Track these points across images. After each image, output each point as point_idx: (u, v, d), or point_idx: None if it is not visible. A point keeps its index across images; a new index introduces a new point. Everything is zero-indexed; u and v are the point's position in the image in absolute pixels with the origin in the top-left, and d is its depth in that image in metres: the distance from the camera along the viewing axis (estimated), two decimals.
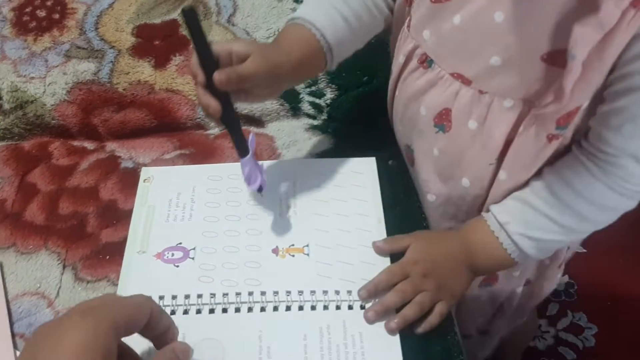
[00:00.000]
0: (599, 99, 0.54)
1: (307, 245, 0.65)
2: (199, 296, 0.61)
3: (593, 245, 0.91)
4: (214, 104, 0.57)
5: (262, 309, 0.61)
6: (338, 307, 0.61)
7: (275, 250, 0.65)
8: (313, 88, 0.80)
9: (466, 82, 0.60)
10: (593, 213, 0.59)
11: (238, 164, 0.70)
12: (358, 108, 0.79)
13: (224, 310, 0.61)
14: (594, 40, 0.48)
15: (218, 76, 0.55)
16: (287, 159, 0.75)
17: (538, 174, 0.61)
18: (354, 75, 0.81)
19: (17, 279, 0.65)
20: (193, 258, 0.64)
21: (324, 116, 0.79)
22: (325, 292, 0.62)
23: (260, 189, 0.64)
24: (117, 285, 0.63)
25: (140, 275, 0.63)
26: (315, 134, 0.77)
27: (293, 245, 0.66)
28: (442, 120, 0.63)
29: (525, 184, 0.62)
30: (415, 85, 0.66)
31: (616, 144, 0.55)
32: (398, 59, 0.68)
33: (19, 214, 0.70)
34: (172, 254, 0.65)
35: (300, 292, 0.62)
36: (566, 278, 1.07)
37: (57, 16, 0.86)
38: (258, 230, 0.67)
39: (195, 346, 0.58)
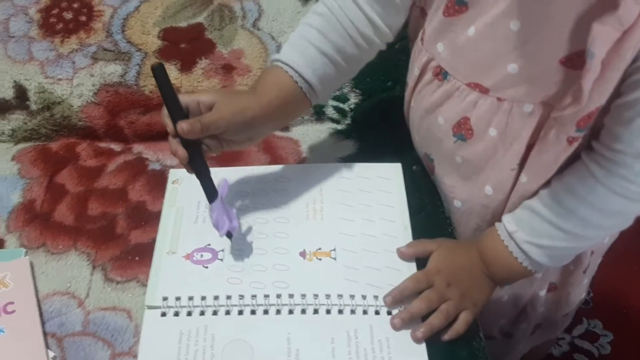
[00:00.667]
0: (615, 95, 0.54)
1: (334, 249, 0.66)
2: (228, 297, 0.62)
3: (608, 253, 0.91)
4: (181, 151, 0.60)
5: (290, 312, 0.62)
6: (365, 312, 0.62)
7: (303, 254, 0.66)
8: (337, 93, 0.81)
9: (484, 91, 0.60)
10: (597, 218, 0.59)
11: (266, 167, 0.71)
12: (381, 113, 0.80)
13: (253, 312, 0.61)
14: (613, 38, 0.48)
15: (180, 126, 0.58)
16: (311, 162, 0.75)
17: (557, 174, 0.61)
18: (377, 80, 0.82)
19: (48, 279, 0.66)
20: (222, 259, 0.65)
21: (348, 121, 0.80)
22: (352, 297, 0.63)
23: (229, 235, 0.64)
24: (146, 285, 0.63)
25: (169, 275, 0.64)
26: (339, 139, 0.78)
27: (320, 249, 0.66)
28: (461, 129, 0.64)
29: (542, 186, 0.62)
30: (431, 98, 0.66)
31: (625, 140, 0.54)
32: (413, 72, 0.69)
33: (49, 214, 0.71)
34: (201, 255, 0.65)
35: (328, 296, 0.62)
36: None
37: (83, 18, 0.87)
38: (286, 233, 0.67)
39: (224, 347, 0.59)
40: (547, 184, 0.62)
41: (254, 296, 0.62)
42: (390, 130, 0.78)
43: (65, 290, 0.65)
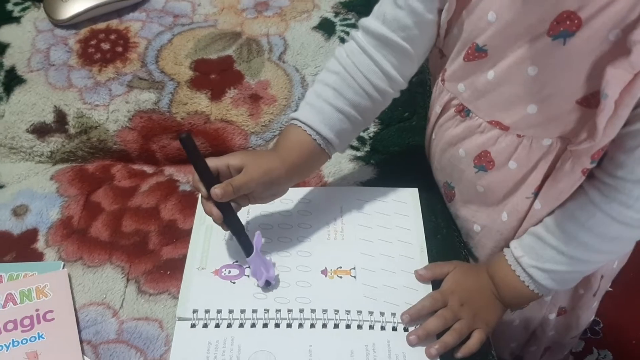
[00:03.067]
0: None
1: (354, 268, 0.70)
2: (254, 311, 0.66)
3: (619, 284, 0.94)
4: (215, 212, 0.65)
5: (312, 326, 0.65)
6: (383, 328, 0.65)
7: (324, 272, 0.70)
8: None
9: (504, 128, 0.64)
10: (596, 243, 0.62)
11: (289, 190, 0.75)
12: (399, 141, 0.84)
13: (277, 325, 0.65)
14: (626, 80, 0.52)
15: (214, 192, 0.62)
16: (333, 185, 0.79)
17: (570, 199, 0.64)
18: (396, 111, 0.86)
19: (84, 290, 0.70)
20: (248, 276, 0.69)
21: (367, 148, 0.84)
22: (371, 313, 0.66)
23: (267, 283, 0.68)
24: (177, 298, 0.67)
25: (199, 289, 0.68)
26: (358, 164, 0.82)
27: (341, 267, 0.70)
28: (482, 161, 0.68)
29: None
30: (453, 132, 0.70)
31: (627, 167, 0.57)
32: (434, 109, 0.73)
33: (85, 230, 0.76)
34: (229, 271, 0.69)
35: (348, 312, 0.66)
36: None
37: (120, 49, 0.93)
38: (308, 252, 0.71)
39: (249, 357, 0.63)
40: (550, 214, 0.65)
41: (278, 310, 0.66)
42: (407, 157, 0.82)
43: (100, 301, 0.69)
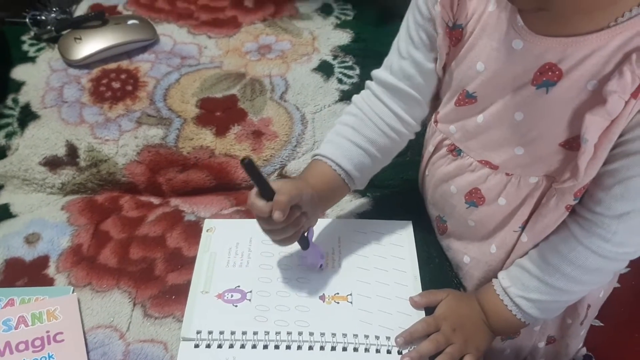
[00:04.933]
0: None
1: (351, 294, 0.73)
2: (255, 333, 0.69)
3: (610, 319, 0.97)
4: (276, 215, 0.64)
5: (310, 348, 0.68)
6: (378, 351, 0.68)
7: (322, 297, 0.73)
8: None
9: (494, 167, 0.68)
10: (578, 274, 0.66)
11: None
12: (394, 176, 0.88)
13: (277, 347, 0.68)
14: (603, 126, 0.57)
15: (275, 216, 0.63)
16: (331, 217, 0.83)
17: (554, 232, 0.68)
18: None
19: (93, 314, 0.73)
20: (250, 300, 0.72)
21: None
22: (366, 336, 0.69)
23: (321, 267, 0.75)
24: (181, 321, 0.71)
25: (203, 311, 0.71)
26: (355, 197, 0.86)
27: (338, 293, 0.73)
28: (473, 197, 0.72)
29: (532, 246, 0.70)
30: (445, 169, 0.74)
31: (605, 204, 0.61)
32: (428, 148, 0.77)
33: (94, 257, 0.79)
34: (232, 295, 0.73)
35: (344, 335, 0.69)
36: (584, 350, 1.11)
37: (130, 88, 0.98)
38: (307, 279, 0.75)
39: None
40: (534, 247, 0.69)
41: (278, 333, 0.69)
42: (401, 191, 0.87)
43: (108, 324, 0.72)
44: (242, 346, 0.68)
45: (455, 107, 0.68)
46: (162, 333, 0.71)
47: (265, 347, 0.68)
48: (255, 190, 0.65)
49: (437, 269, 0.78)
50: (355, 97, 0.76)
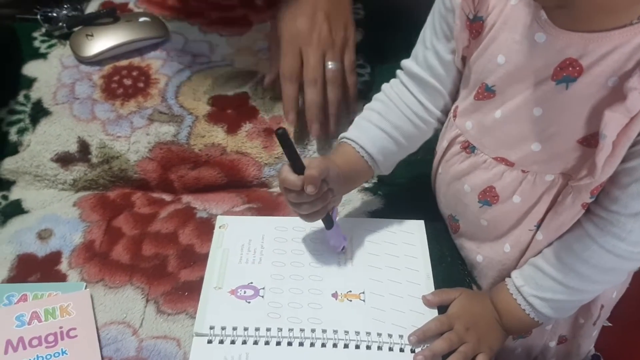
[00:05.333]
0: None
1: (363, 293, 0.73)
2: (268, 329, 0.69)
3: (619, 319, 0.96)
4: (309, 188, 0.66)
5: (323, 345, 0.68)
6: (390, 349, 0.68)
7: (335, 295, 0.73)
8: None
9: (509, 164, 0.68)
10: (592, 274, 0.66)
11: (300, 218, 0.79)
12: (405, 174, 0.88)
13: (289, 344, 0.68)
14: (622, 123, 0.56)
15: (307, 189, 0.66)
16: (342, 216, 0.83)
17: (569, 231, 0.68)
18: None
19: (106, 310, 0.73)
20: (263, 296, 0.72)
21: (375, 180, 0.89)
22: (379, 334, 0.69)
23: (343, 249, 0.76)
24: (194, 318, 0.71)
25: (216, 307, 0.71)
26: (367, 195, 0.87)
27: (350, 291, 0.73)
28: (486, 196, 0.71)
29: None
30: (458, 167, 0.74)
31: (621, 202, 0.61)
32: (442, 143, 0.77)
33: (107, 254, 0.79)
34: (245, 292, 0.73)
35: (357, 333, 0.69)
36: (592, 350, 1.11)
37: (141, 85, 0.98)
38: (319, 276, 0.75)
39: None
40: (548, 245, 0.69)
41: (290, 329, 0.69)
42: (413, 189, 0.87)
43: (121, 320, 0.72)
44: (255, 342, 0.68)
45: (474, 100, 0.68)
46: (175, 329, 0.71)
47: (278, 343, 0.68)
48: (286, 165, 0.67)
49: (449, 267, 0.78)
50: (384, 85, 0.78)
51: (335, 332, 0.69)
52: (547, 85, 0.60)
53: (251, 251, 0.77)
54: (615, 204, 0.62)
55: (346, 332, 0.69)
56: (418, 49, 0.74)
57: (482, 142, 0.70)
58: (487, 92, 0.66)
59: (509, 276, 0.72)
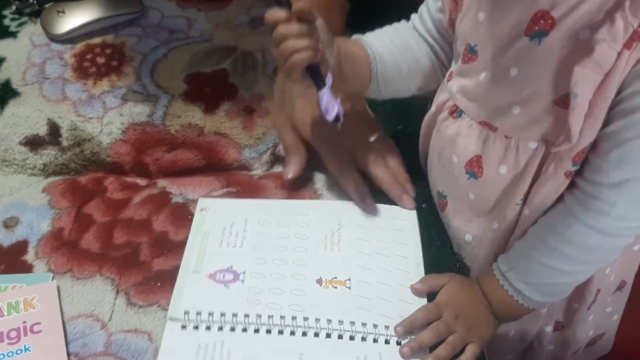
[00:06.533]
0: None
1: (349, 279, 0.69)
2: (246, 316, 0.65)
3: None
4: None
5: (304, 334, 0.64)
6: (375, 340, 0.64)
7: (319, 281, 0.69)
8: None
9: (493, 129, 0.65)
10: (577, 253, 0.62)
11: (288, 201, 0.76)
12: None
13: (268, 332, 0.64)
14: (595, 80, 0.53)
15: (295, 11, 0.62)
16: (327, 199, 0.79)
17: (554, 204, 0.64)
18: (389, 123, 0.86)
19: (73, 302, 0.69)
20: (243, 281, 0.68)
21: None
22: (364, 324, 0.65)
23: (337, 119, 0.66)
24: (167, 310, 0.66)
25: (192, 291, 0.67)
26: None
27: (336, 277, 0.69)
28: (473, 167, 0.68)
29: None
30: (446, 134, 0.71)
31: (603, 171, 0.57)
32: (431, 108, 0.74)
33: (76, 242, 0.75)
34: (224, 276, 0.69)
35: (341, 322, 0.65)
36: (591, 336, 1.06)
37: (115, 63, 0.93)
38: (304, 261, 0.70)
39: None
40: (533, 226, 0.65)
41: (270, 316, 0.65)
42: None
43: (89, 313, 0.68)
44: (232, 329, 0.64)
45: (462, 64, 0.66)
46: (147, 322, 0.66)
47: (257, 331, 0.64)
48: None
49: (438, 251, 0.74)
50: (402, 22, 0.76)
51: (317, 320, 0.65)
52: (521, 42, 0.58)
53: (233, 234, 0.73)
54: (597, 174, 0.58)
55: (329, 321, 0.65)
56: (423, 4, 0.73)
57: (468, 106, 0.67)
58: (470, 54, 0.64)
59: (495, 262, 0.69)
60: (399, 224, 0.75)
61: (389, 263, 0.71)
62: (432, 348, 0.64)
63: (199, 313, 0.65)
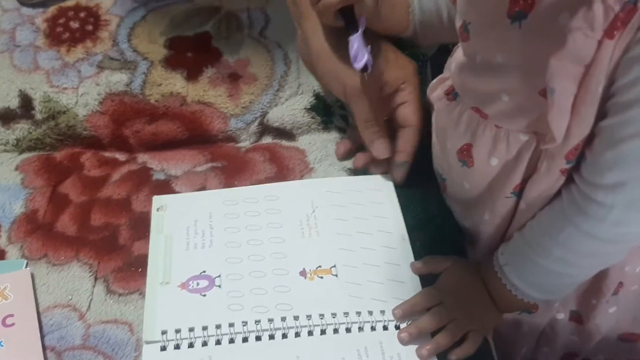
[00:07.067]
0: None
1: (335, 266, 0.64)
2: (231, 325, 0.60)
3: None
4: None
5: (297, 334, 0.60)
6: (373, 328, 0.60)
7: (303, 273, 0.64)
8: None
9: (484, 116, 0.59)
10: (572, 258, 0.57)
11: (252, 187, 0.71)
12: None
13: (258, 338, 0.60)
14: (575, 73, 0.47)
15: None
16: (319, 173, 0.74)
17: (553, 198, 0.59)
18: None
19: (49, 291, 0.65)
20: (219, 286, 0.63)
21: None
22: (358, 313, 0.61)
23: (365, 69, 0.64)
24: None
25: (166, 307, 0.62)
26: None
27: (320, 266, 0.64)
28: (464, 155, 0.63)
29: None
30: (440, 117, 0.66)
31: (598, 171, 0.52)
32: (432, 83, 0.68)
33: (51, 225, 0.70)
34: (197, 283, 0.63)
35: (334, 315, 0.61)
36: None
37: (90, 28, 0.87)
38: (283, 253, 0.65)
39: None
40: (530, 221, 0.61)
41: (257, 321, 0.60)
42: None
43: (66, 302, 0.64)
44: (218, 342, 0.59)
45: (461, 42, 0.59)
46: (127, 312, 0.63)
47: (245, 340, 0.60)
48: None
49: (440, 229, 0.69)
50: None
51: (308, 317, 0.61)
52: (503, 25, 0.50)
53: (199, 234, 0.67)
54: (592, 173, 0.52)
55: (321, 316, 0.61)
56: None
57: (462, 89, 0.62)
58: (465, 33, 0.57)
59: (496, 251, 0.64)
60: (376, 196, 0.70)
61: (373, 241, 0.66)
62: (434, 333, 0.60)
63: (177, 331, 0.60)
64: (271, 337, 0.59)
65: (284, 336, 0.59)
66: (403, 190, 0.71)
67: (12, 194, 0.73)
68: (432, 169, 0.71)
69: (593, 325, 0.74)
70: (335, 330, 0.60)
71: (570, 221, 0.55)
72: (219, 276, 0.64)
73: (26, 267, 0.66)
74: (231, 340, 0.59)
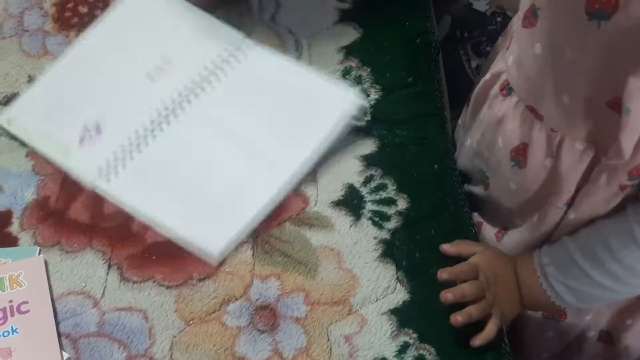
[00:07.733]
0: None
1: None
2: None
3: None
4: None
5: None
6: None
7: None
8: (357, 88, 0.79)
9: (539, 118, 0.58)
10: (625, 275, 0.57)
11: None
12: (403, 110, 0.77)
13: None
14: None
15: None
16: (330, 160, 0.73)
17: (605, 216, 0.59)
18: (398, 76, 0.79)
19: (62, 278, 0.65)
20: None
21: (368, 117, 0.78)
22: None
23: None
24: (163, 285, 0.63)
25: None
26: (359, 136, 0.76)
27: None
28: (519, 155, 0.62)
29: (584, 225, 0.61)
30: (493, 113, 0.65)
31: None
32: (485, 76, 0.67)
33: (63, 212, 0.70)
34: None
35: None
36: None
37: (99, 12, 0.86)
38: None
39: None
40: (590, 224, 0.60)
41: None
42: (412, 127, 0.76)
43: (80, 289, 0.64)
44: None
45: (522, 28, 0.57)
46: (142, 299, 0.63)
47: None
48: None
49: (453, 216, 0.69)
50: None
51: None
52: (580, 20, 0.48)
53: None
54: None
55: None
56: None
57: (519, 84, 0.60)
58: (533, 18, 0.55)
59: (537, 250, 0.64)
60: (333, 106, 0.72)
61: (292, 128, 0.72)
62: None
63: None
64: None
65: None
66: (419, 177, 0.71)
67: (23, 180, 0.73)
68: (447, 159, 0.71)
69: (622, 347, 0.73)
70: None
71: (636, 240, 0.54)
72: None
73: (39, 254, 0.66)
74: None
